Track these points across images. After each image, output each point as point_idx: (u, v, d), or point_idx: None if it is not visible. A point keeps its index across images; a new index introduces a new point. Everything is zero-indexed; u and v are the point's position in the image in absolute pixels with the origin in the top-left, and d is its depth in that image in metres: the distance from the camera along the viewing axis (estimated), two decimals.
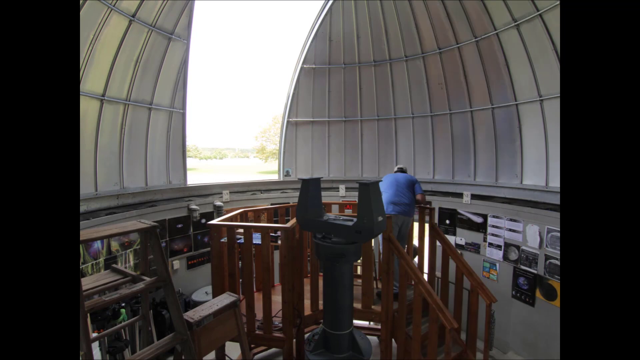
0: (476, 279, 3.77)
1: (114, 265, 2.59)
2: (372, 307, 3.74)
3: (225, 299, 2.54)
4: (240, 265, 3.72)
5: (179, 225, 5.66)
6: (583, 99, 1.22)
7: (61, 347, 1.08)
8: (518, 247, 5.08)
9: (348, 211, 5.45)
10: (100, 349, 3.70)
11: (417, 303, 3.34)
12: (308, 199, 2.90)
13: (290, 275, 3.38)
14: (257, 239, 3.49)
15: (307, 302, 3.75)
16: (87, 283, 2.24)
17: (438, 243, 4.35)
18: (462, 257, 4.09)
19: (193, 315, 2.26)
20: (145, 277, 2.29)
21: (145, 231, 2.22)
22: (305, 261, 4.26)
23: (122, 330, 4.19)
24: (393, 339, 3.75)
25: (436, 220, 6.24)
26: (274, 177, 7.84)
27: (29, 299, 1.07)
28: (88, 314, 1.88)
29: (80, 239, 1.77)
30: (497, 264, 5.37)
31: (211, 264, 3.72)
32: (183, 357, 2.23)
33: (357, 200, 2.68)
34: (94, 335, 2.58)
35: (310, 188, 2.91)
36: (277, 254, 4.50)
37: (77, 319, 1.59)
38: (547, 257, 4.68)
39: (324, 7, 6.73)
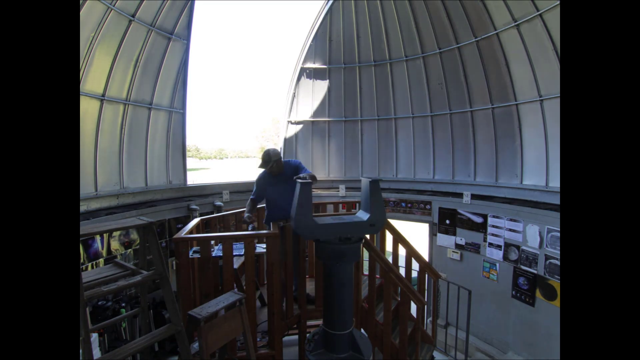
0: (423, 261, 4.25)
1: (116, 260, 2.65)
2: None
3: (231, 296, 2.55)
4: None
5: (179, 225, 5.65)
6: (583, 99, 1.22)
7: (62, 332, 1.13)
8: (518, 247, 5.08)
9: (342, 211, 5.43)
10: (101, 349, 3.70)
11: (387, 290, 3.53)
12: (311, 203, 2.69)
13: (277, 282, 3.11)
14: (237, 249, 3.16)
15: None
16: (89, 275, 2.34)
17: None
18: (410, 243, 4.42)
19: (200, 311, 2.27)
20: (144, 272, 2.38)
21: (143, 227, 2.31)
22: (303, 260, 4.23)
23: (123, 331, 4.20)
24: (362, 329, 3.81)
25: (436, 220, 6.25)
26: None
27: (33, 289, 1.11)
28: (87, 309, 1.97)
29: (80, 233, 1.82)
30: (497, 264, 5.37)
31: (178, 285, 3.08)
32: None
33: (356, 199, 2.68)
34: (94, 335, 2.61)
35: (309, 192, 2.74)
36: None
37: (77, 308, 1.68)
38: (547, 257, 4.68)
39: (324, 7, 6.73)
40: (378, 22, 6.48)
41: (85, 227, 2.11)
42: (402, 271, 4.73)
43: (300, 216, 2.63)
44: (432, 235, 6.37)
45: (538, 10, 4.49)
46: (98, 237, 4.40)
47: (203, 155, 63.98)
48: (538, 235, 4.80)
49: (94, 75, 4.53)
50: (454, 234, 6.02)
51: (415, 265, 4.42)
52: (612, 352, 1.09)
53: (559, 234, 4.53)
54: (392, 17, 6.30)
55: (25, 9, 1.15)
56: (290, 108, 7.40)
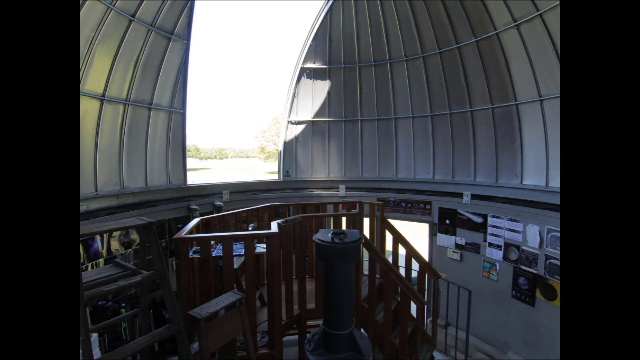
0: (423, 260, 4.28)
1: (116, 260, 2.65)
2: None
3: (231, 296, 2.55)
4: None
5: (179, 225, 5.65)
6: (583, 99, 1.22)
7: (62, 332, 1.13)
8: (518, 247, 5.08)
9: (342, 211, 5.44)
10: (101, 349, 3.70)
11: (388, 291, 3.55)
12: None
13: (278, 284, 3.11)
14: (237, 249, 3.18)
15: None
16: (89, 275, 2.35)
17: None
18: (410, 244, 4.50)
19: (200, 311, 2.27)
20: (144, 272, 2.39)
21: (143, 227, 2.32)
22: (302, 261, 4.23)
23: (123, 331, 4.20)
24: (362, 329, 3.83)
25: (436, 220, 6.25)
26: (274, 177, 7.85)
27: (33, 289, 1.11)
28: (87, 309, 1.97)
29: (80, 233, 1.82)
30: (497, 264, 5.36)
31: (178, 285, 3.09)
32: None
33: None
34: (94, 335, 2.61)
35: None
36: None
37: (77, 308, 1.68)
38: (547, 257, 4.67)
39: (324, 7, 6.73)
40: (378, 22, 6.48)
41: (85, 227, 2.11)
42: (402, 271, 4.73)
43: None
44: (432, 235, 6.37)
45: (538, 10, 4.49)
46: (98, 237, 4.40)
47: (203, 155, 64.08)
48: (538, 235, 4.80)
49: (94, 75, 4.53)
50: (454, 234, 6.01)
51: (415, 265, 4.42)
52: (612, 352, 1.09)
53: (559, 234, 4.53)
54: (392, 17, 6.30)
55: (26, 9, 1.14)
56: (290, 108, 7.40)
